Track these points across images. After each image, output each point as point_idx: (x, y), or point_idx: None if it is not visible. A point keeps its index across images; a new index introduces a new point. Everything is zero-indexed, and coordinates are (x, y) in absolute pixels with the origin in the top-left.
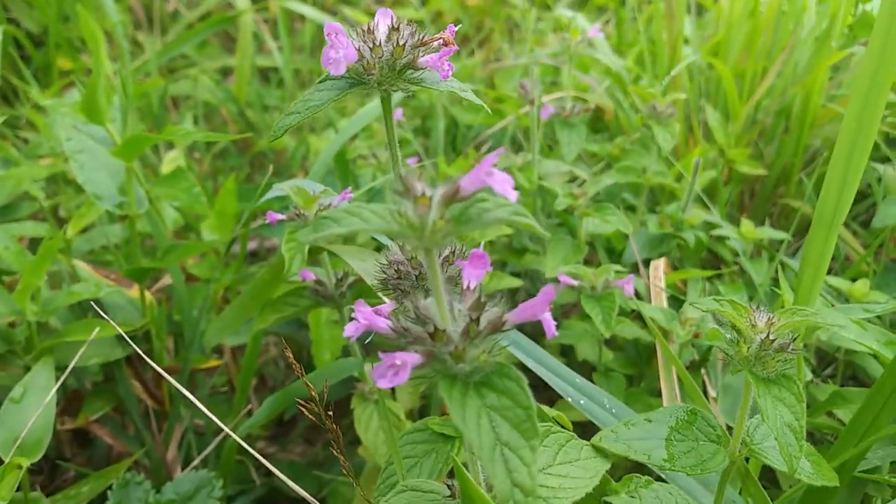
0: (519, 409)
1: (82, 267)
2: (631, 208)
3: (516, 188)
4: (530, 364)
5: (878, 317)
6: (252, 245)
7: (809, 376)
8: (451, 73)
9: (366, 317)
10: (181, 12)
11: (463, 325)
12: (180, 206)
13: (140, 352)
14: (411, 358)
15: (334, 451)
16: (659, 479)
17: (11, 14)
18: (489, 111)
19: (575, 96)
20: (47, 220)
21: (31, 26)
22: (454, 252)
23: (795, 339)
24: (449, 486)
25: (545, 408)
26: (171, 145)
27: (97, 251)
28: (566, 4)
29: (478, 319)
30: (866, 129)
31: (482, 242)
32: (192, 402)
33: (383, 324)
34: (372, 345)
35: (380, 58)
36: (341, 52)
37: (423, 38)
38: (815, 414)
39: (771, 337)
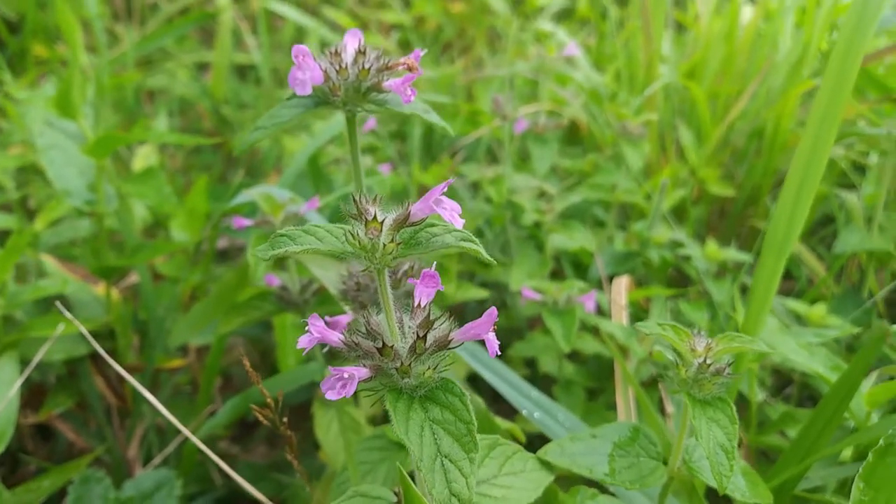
0: (461, 423)
1: (49, 262)
2: (601, 224)
3: (487, 200)
4: (487, 376)
5: (836, 339)
6: (223, 244)
7: (762, 396)
8: (413, 97)
9: (318, 330)
10: (160, 5)
11: (411, 341)
12: (152, 206)
13: (101, 351)
14: (359, 372)
15: (288, 457)
16: (606, 492)
17: None
18: (451, 133)
19: (550, 111)
20: (15, 211)
21: (7, 11)
22: (412, 268)
23: (731, 363)
24: (396, 494)
25: (498, 419)
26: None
27: (65, 245)
28: (550, 16)
29: (425, 337)
30: (818, 155)
31: (434, 263)
32: (149, 404)
33: (335, 337)
34: (335, 350)
35: (346, 80)
36: (308, 73)
37: (388, 62)
38: (767, 433)
39: (708, 361)
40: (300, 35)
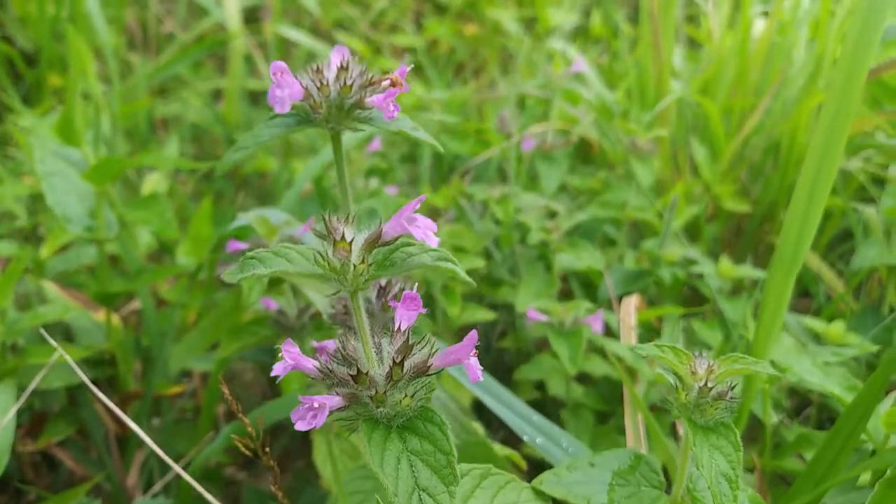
0: (440, 454)
1: (51, 288)
2: (612, 243)
3: (496, 221)
4: (487, 401)
5: (855, 357)
6: None
7: (777, 418)
8: (396, 113)
9: (292, 357)
10: (177, 35)
11: (388, 367)
12: (155, 231)
13: (86, 380)
14: (330, 401)
15: (272, 489)
16: None
17: (7, 31)
18: (440, 149)
19: (560, 129)
20: (23, 238)
21: (25, 44)
22: (401, 290)
23: (734, 386)
24: None
25: (498, 446)
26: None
27: (72, 272)
28: (563, 35)
29: (402, 363)
30: (827, 167)
31: (415, 284)
32: (150, 430)
33: (310, 364)
34: None
35: (327, 97)
36: (286, 90)
37: (371, 78)
38: (783, 456)
39: (709, 385)
40: (312, 60)
